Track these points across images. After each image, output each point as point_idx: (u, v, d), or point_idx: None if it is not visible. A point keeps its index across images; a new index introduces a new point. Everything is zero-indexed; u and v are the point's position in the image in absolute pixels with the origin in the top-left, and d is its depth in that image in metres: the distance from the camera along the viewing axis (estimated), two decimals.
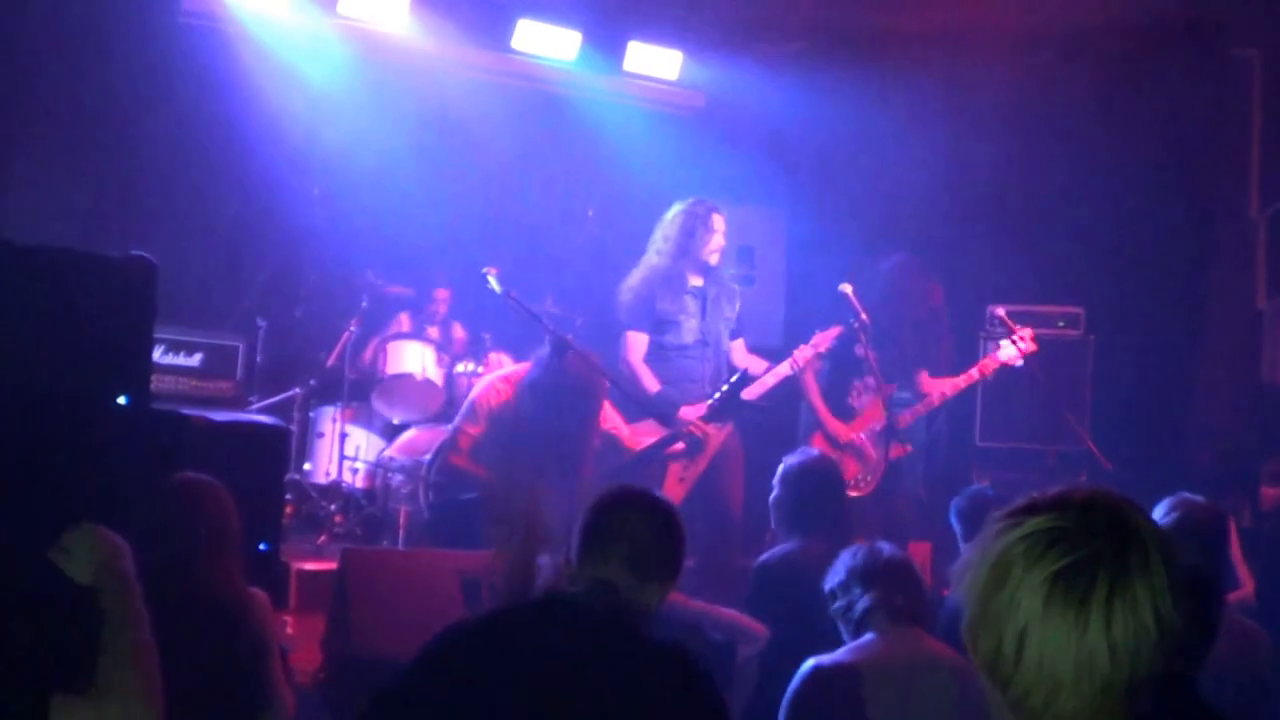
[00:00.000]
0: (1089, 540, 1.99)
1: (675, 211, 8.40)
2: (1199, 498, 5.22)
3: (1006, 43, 10.44)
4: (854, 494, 8.40)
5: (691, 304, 8.29)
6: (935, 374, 8.98)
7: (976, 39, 10.60)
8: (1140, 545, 2.00)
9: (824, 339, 8.42)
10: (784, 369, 8.38)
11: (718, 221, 8.34)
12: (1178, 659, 2.05)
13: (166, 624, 4.42)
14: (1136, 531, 2.01)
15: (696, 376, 8.22)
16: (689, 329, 8.21)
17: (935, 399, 8.70)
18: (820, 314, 8.95)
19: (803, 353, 8.41)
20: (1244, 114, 10.80)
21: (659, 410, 7.99)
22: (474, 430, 7.51)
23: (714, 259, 8.35)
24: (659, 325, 8.22)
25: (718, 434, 8.09)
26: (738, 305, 8.62)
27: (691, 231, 8.27)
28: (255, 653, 4.58)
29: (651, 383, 8.13)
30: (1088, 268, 10.89)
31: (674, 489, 7.92)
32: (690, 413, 7.99)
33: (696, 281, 8.39)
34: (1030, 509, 2.06)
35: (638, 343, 8.19)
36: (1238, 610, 5.82)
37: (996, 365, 8.66)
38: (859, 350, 8.38)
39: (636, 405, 8.00)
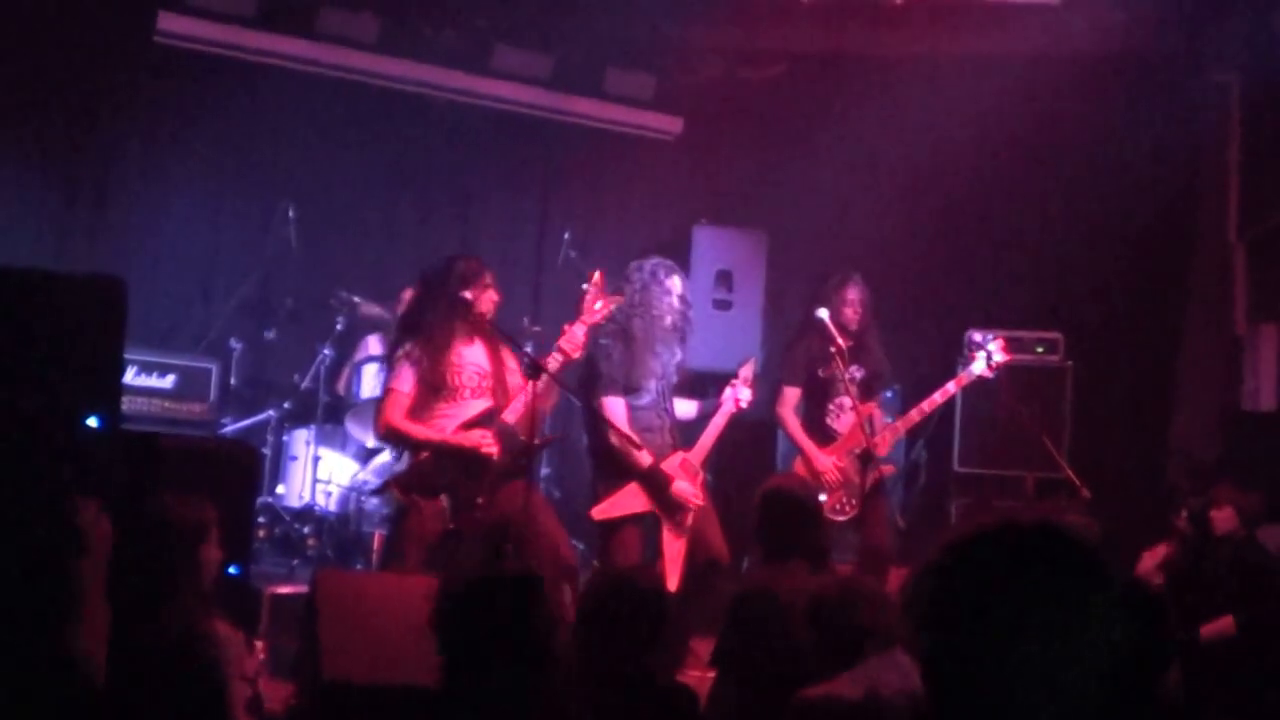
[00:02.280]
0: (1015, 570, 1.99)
1: (633, 274, 8.20)
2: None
3: (986, 68, 10.43)
4: (838, 519, 8.36)
5: (654, 364, 8.15)
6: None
7: (957, 64, 10.59)
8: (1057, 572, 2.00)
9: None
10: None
11: (675, 283, 8.17)
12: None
13: (122, 660, 4.36)
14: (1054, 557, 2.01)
15: (655, 426, 8.11)
16: (648, 388, 8.10)
17: (914, 415, 8.65)
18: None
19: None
20: (1222, 139, 10.81)
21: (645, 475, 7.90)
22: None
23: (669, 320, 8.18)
24: (628, 389, 8.08)
25: (698, 483, 8.01)
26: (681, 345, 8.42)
27: (650, 296, 8.09)
28: (211, 693, 4.47)
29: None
30: (1066, 293, 10.89)
31: (672, 545, 7.87)
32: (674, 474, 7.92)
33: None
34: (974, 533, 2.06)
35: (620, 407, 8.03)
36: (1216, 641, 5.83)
37: (970, 379, 8.64)
38: (836, 371, 8.32)
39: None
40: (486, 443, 7.15)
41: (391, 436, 7.40)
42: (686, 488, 7.85)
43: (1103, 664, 1.95)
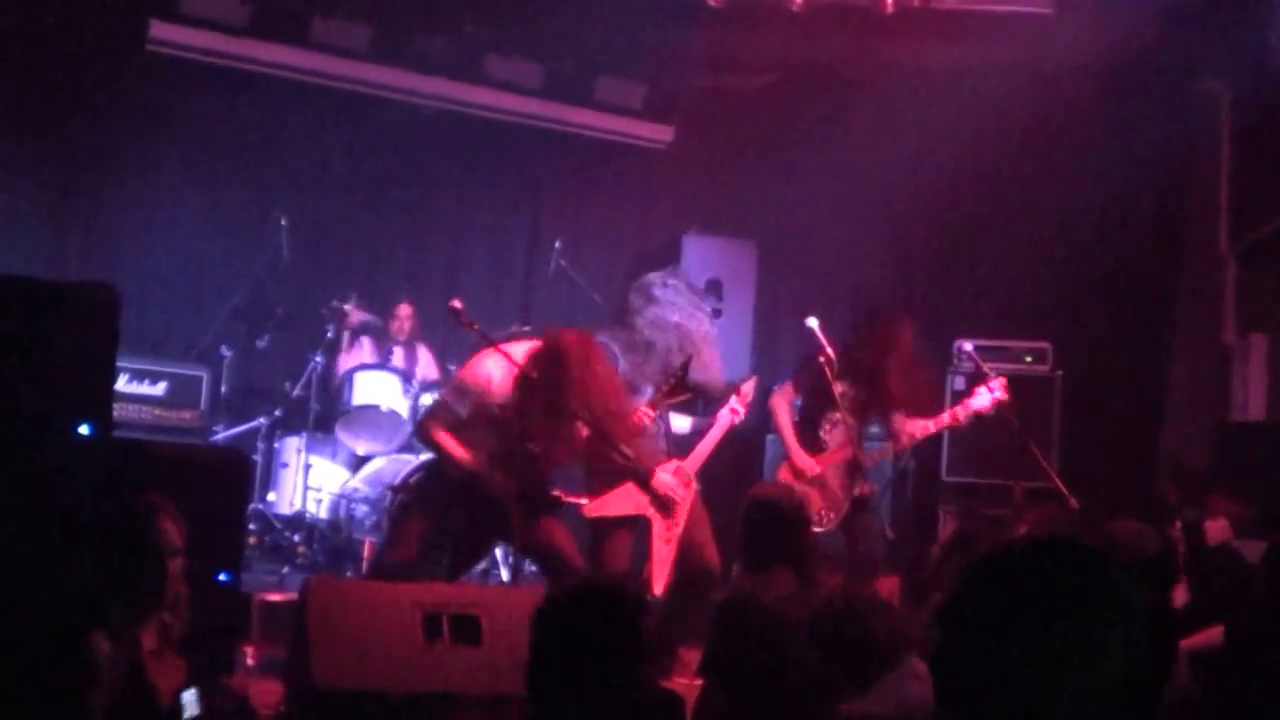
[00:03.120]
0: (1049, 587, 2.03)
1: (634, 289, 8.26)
2: None
3: (977, 78, 10.44)
4: (817, 530, 8.32)
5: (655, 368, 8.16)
6: (913, 414, 8.88)
7: (947, 74, 10.60)
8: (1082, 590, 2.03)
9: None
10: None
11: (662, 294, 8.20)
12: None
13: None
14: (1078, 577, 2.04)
15: (650, 431, 8.12)
16: (645, 391, 8.10)
17: (904, 441, 8.61)
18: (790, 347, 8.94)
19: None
20: (1213, 149, 10.80)
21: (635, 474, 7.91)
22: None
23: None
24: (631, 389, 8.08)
25: (688, 490, 8.01)
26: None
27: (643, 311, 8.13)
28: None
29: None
30: (1056, 303, 10.89)
31: (661, 550, 7.87)
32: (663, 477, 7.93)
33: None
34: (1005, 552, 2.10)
35: None
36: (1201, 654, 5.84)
37: (970, 413, 8.57)
38: (827, 384, 8.31)
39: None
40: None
41: None
42: (668, 479, 7.85)
43: (1119, 679, 1.98)
